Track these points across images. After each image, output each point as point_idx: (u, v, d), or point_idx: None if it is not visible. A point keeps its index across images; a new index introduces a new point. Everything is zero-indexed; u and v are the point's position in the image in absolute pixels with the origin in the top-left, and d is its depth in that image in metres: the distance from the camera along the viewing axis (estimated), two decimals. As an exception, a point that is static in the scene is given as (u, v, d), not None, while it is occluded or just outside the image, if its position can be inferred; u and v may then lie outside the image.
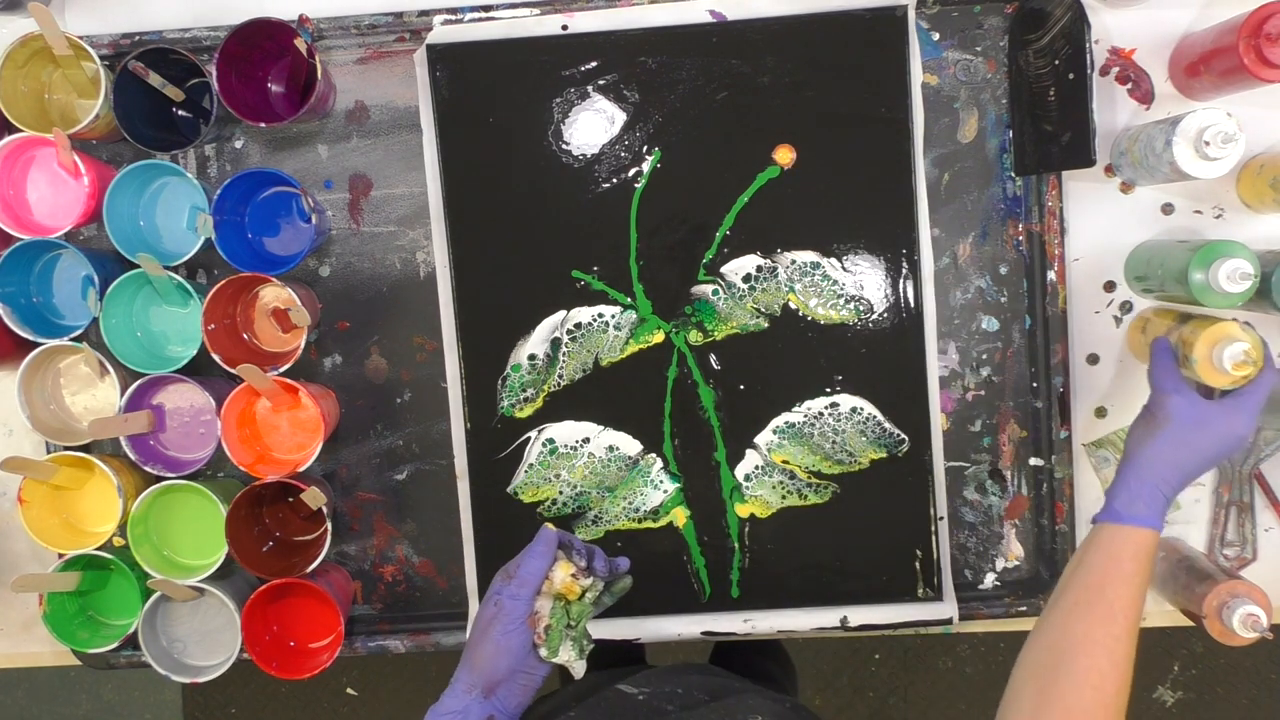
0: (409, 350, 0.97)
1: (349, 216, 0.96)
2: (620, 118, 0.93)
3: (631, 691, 0.77)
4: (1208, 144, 0.79)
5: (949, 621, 0.94)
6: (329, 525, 0.92)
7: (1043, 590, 0.95)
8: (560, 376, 0.94)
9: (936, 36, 0.93)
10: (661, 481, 0.95)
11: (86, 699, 2.00)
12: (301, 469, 0.91)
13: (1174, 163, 0.81)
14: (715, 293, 0.94)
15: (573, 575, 0.76)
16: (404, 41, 0.94)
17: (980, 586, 0.96)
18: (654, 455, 0.95)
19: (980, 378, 0.95)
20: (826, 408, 0.94)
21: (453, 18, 0.93)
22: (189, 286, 0.90)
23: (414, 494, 0.98)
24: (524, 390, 0.95)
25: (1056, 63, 0.86)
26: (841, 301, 0.93)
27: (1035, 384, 0.94)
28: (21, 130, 0.88)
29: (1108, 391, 0.95)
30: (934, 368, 0.94)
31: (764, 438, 0.94)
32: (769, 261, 0.93)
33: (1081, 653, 0.70)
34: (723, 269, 0.93)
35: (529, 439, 0.95)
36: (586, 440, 0.95)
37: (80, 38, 0.88)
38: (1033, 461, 0.95)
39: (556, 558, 0.76)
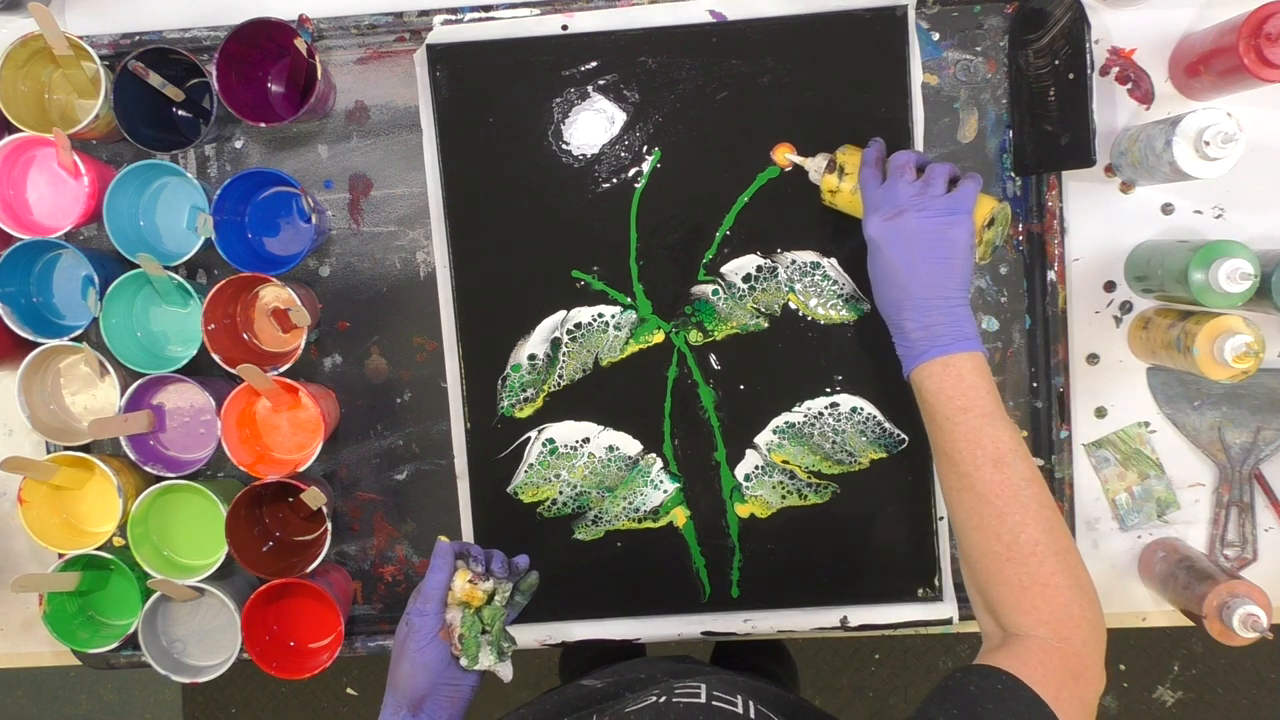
0: (409, 350, 0.97)
1: (349, 216, 0.96)
2: (620, 118, 0.93)
3: (591, 683, 0.77)
4: (1208, 144, 0.79)
5: (949, 621, 0.94)
6: (329, 525, 0.92)
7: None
8: (560, 376, 0.94)
9: (936, 36, 0.93)
10: (661, 481, 0.95)
11: (86, 699, 2.00)
12: (301, 469, 0.91)
13: (1174, 163, 0.81)
14: (715, 293, 0.94)
15: (470, 581, 0.78)
16: (404, 41, 0.94)
17: (980, 586, 0.96)
18: (654, 455, 0.95)
19: (980, 378, 0.95)
20: (826, 408, 0.94)
21: (453, 18, 0.93)
22: (189, 286, 0.90)
23: (414, 494, 0.98)
24: (524, 390, 0.95)
25: (1056, 63, 0.86)
26: (841, 301, 0.93)
27: (1035, 384, 0.94)
28: (21, 130, 0.88)
29: (1108, 391, 0.95)
30: (934, 368, 0.93)
31: (764, 438, 0.94)
32: (769, 261, 0.93)
33: (952, 505, 0.72)
34: (723, 269, 0.93)
35: (529, 439, 0.95)
36: (586, 440, 0.95)
37: (80, 38, 0.88)
38: (1033, 461, 0.95)
39: (456, 568, 0.79)
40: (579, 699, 0.74)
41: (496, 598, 0.79)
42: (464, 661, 0.76)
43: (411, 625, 0.77)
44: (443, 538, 0.80)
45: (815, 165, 0.87)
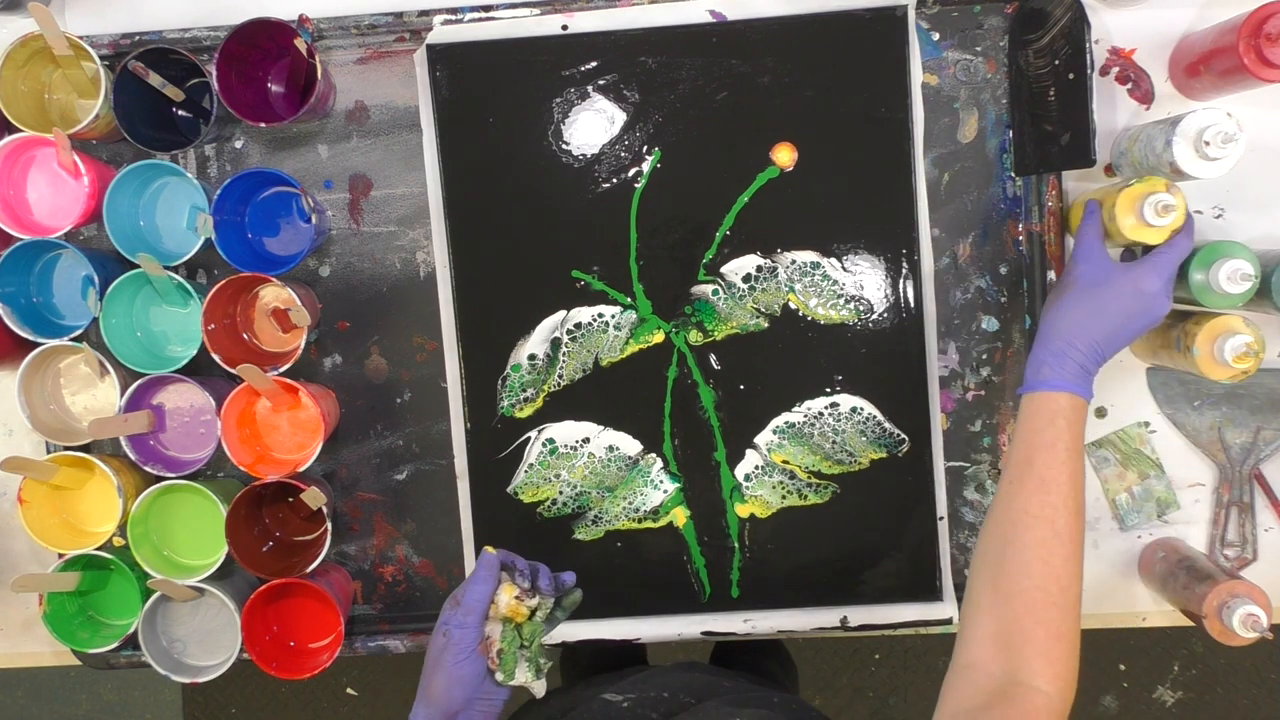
0: (409, 350, 0.97)
1: (349, 216, 0.96)
2: (620, 118, 0.93)
3: (616, 699, 0.76)
4: (1208, 144, 0.79)
5: (949, 621, 0.94)
6: (329, 525, 0.92)
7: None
8: (560, 376, 0.94)
9: (936, 36, 0.93)
10: (661, 481, 0.95)
11: (86, 699, 2.00)
12: (301, 469, 0.91)
13: (1174, 163, 0.81)
14: (715, 293, 0.94)
15: (517, 597, 0.74)
16: (404, 41, 0.94)
17: (980, 586, 0.96)
18: (654, 455, 0.95)
19: (980, 378, 0.95)
20: (826, 408, 0.94)
21: (453, 18, 0.93)
22: (189, 286, 0.90)
23: (414, 494, 0.98)
24: (524, 390, 0.95)
25: (1056, 63, 0.86)
26: (841, 301, 0.93)
27: (1035, 384, 0.94)
28: (21, 130, 0.88)
29: (1108, 391, 0.95)
30: (934, 368, 0.94)
31: (764, 438, 0.94)
32: (769, 261, 0.93)
33: (1024, 527, 0.70)
34: (723, 269, 0.93)
35: (529, 439, 0.95)
36: (586, 440, 0.95)
37: (80, 38, 0.88)
38: (1033, 461, 0.95)
39: (500, 580, 0.75)
40: (609, 719, 0.74)
41: (538, 613, 0.75)
42: (500, 677, 0.73)
43: (451, 637, 0.73)
44: (489, 548, 0.76)
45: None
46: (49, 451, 0.96)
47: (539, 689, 0.75)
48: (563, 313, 0.94)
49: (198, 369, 0.92)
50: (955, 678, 0.68)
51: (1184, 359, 0.86)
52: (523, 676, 0.74)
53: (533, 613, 0.75)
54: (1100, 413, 0.96)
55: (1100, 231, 0.81)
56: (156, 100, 0.92)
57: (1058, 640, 0.67)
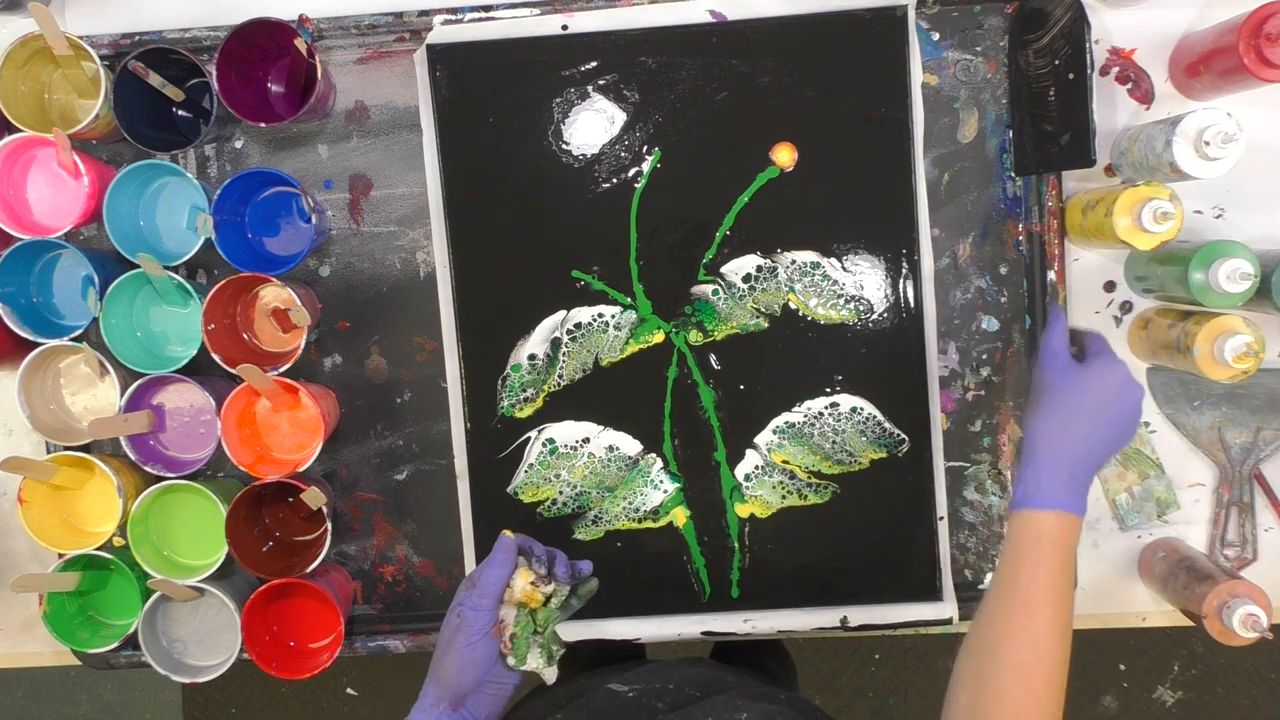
0: (409, 350, 0.97)
1: (349, 216, 0.96)
2: (620, 118, 0.93)
3: (621, 689, 0.76)
4: (1208, 144, 0.79)
5: (949, 621, 0.94)
6: (329, 525, 0.92)
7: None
8: (560, 376, 0.94)
9: (936, 36, 0.93)
10: (661, 481, 0.95)
11: (86, 699, 2.00)
12: (301, 469, 0.91)
13: (1174, 163, 0.81)
14: (715, 293, 0.94)
15: (532, 583, 0.74)
16: (404, 41, 0.94)
17: (980, 586, 0.96)
18: (654, 455, 0.95)
19: (980, 378, 0.95)
20: (826, 408, 0.94)
21: (453, 18, 0.93)
22: (189, 286, 0.90)
23: (414, 494, 0.98)
24: (524, 390, 0.95)
25: (1056, 63, 0.86)
26: (841, 301, 0.93)
27: (1035, 384, 0.94)
28: (21, 130, 0.88)
29: (1108, 391, 0.95)
30: (934, 368, 0.94)
31: (764, 438, 0.94)
32: (769, 261, 0.93)
33: (1005, 644, 0.68)
34: (723, 269, 0.93)
35: (529, 439, 0.95)
36: (586, 440, 0.95)
37: (80, 38, 0.88)
38: (1033, 461, 0.95)
39: (517, 564, 0.75)
40: (614, 709, 0.74)
41: (553, 600, 0.75)
42: (511, 661, 0.73)
43: (465, 619, 0.73)
44: (507, 532, 0.76)
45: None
46: (49, 451, 0.96)
47: (550, 675, 0.75)
48: (563, 313, 0.94)
49: (198, 369, 0.92)
50: None
51: (1184, 359, 0.86)
52: (534, 662, 0.74)
53: (547, 599, 0.75)
54: (1100, 413, 0.95)
55: (1065, 336, 0.79)
56: (156, 100, 0.92)
57: None
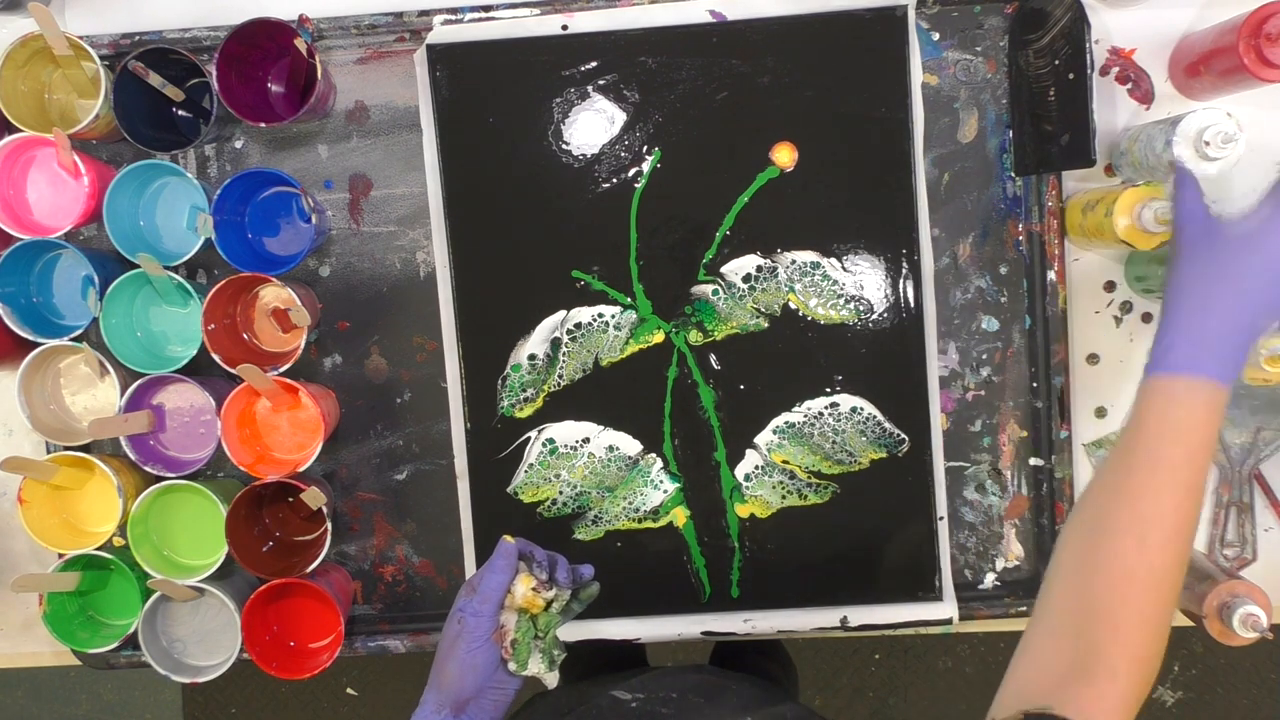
0: (409, 350, 0.97)
1: (349, 216, 0.96)
2: (620, 118, 0.93)
3: (625, 697, 0.76)
4: (1208, 144, 0.79)
5: (949, 621, 0.94)
6: (329, 525, 0.92)
7: (1043, 590, 0.95)
8: (560, 376, 0.94)
9: (936, 36, 0.93)
10: (661, 481, 0.95)
11: (86, 699, 2.00)
12: (301, 469, 0.91)
13: (1174, 162, 0.81)
14: (715, 293, 0.94)
15: (534, 589, 0.74)
16: (404, 41, 0.94)
17: (980, 586, 0.96)
18: (654, 455, 0.95)
19: (980, 378, 0.95)
20: (826, 408, 0.94)
21: (453, 18, 0.93)
22: (189, 286, 0.90)
23: (414, 494, 0.98)
24: (524, 390, 0.95)
25: (1056, 63, 0.86)
26: (841, 301, 0.93)
27: (1035, 384, 0.94)
28: (21, 130, 0.88)
29: (1108, 391, 0.95)
30: (934, 368, 0.94)
31: (764, 438, 0.94)
32: (769, 261, 0.93)
33: (1124, 504, 0.61)
34: (723, 269, 0.93)
35: (529, 439, 0.95)
36: (586, 440, 0.95)
37: (80, 38, 0.88)
38: (1033, 461, 0.95)
39: (518, 570, 0.75)
40: (618, 716, 0.73)
41: (554, 605, 0.75)
42: (512, 666, 0.73)
43: (465, 625, 0.73)
44: (508, 536, 0.75)
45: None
46: (49, 451, 0.96)
47: (551, 680, 0.75)
48: (563, 313, 0.94)
49: (198, 369, 0.92)
50: (1024, 654, 0.62)
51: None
52: (536, 667, 0.74)
53: (549, 604, 0.75)
54: (1100, 413, 0.96)
55: (1199, 195, 0.70)
56: (156, 100, 0.92)
57: (1141, 626, 0.59)
